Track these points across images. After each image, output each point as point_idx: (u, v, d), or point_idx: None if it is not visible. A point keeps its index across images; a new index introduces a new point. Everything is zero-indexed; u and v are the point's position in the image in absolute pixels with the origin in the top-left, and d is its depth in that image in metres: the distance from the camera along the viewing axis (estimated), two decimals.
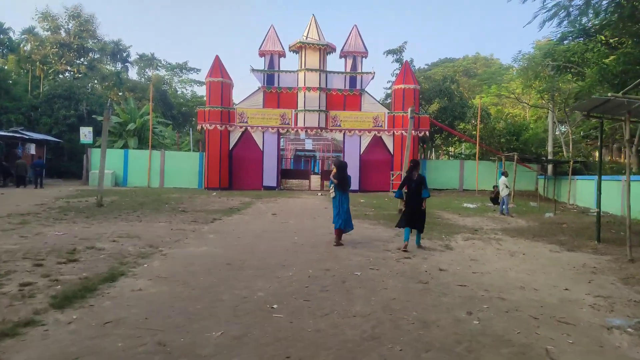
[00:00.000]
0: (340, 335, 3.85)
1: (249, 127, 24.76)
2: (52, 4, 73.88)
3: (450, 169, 27.17)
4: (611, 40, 16.88)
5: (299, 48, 24.59)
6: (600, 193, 9.51)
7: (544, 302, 4.98)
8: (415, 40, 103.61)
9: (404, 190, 8.43)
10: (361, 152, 24.98)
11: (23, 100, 31.25)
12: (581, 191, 19.07)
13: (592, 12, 14.17)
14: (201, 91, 52.85)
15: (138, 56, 49.20)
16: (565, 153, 25.25)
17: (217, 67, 24.33)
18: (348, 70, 25.10)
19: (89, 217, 10.95)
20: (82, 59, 40.15)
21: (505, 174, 15.32)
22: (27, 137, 24.43)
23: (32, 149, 24.58)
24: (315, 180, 29.16)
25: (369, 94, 25.39)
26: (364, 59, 25.17)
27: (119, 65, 44.74)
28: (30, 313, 4.08)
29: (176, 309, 4.38)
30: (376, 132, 24.99)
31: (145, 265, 6.19)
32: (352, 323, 4.16)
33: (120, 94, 40.71)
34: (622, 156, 30.77)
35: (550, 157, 24.47)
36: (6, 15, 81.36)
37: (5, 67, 34.69)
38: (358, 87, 24.98)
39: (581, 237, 9.79)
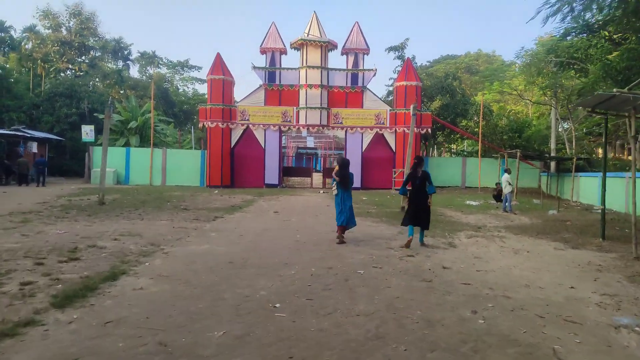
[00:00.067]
0: (344, 335, 3.80)
1: (250, 125, 24.70)
2: (53, 2, 74.17)
3: (453, 166, 27.09)
4: (615, 36, 16.73)
5: (301, 45, 24.51)
6: (604, 190, 9.44)
7: (549, 301, 4.92)
8: (417, 37, 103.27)
9: (408, 187, 8.35)
10: (363, 150, 24.92)
11: (24, 98, 31.31)
12: (584, 188, 18.97)
13: (595, 7, 14.08)
14: (203, 89, 52.87)
15: (139, 54, 49.13)
16: (568, 150, 25.15)
17: (219, 65, 24.27)
18: (350, 67, 25.02)
19: (91, 216, 10.93)
20: (83, 57, 40.18)
21: (508, 171, 15.24)
22: (28, 135, 24.41)
23: (34, 147, 24.56)
24: (317, 177, 29.07)
25: (371, 91, 25.32)
26: (365, 56, 25.10)
27: (120, 63, 44.77)
28: (31, 312, 4.05)
29: (178, 308, 4.34)
30: (378, 130, 24.92)
31: (146, 263, 6.16)
32: (355, 322, 4.11)
33: (121, 92, 40.65)
34: (626, 153, 30.64)
35: (553, 154, 24.35)
36: (7, 13, 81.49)
37: (7, 66, 34.73)
38: (360, 84, 24.89)
39: (585, 235, 9.71)
